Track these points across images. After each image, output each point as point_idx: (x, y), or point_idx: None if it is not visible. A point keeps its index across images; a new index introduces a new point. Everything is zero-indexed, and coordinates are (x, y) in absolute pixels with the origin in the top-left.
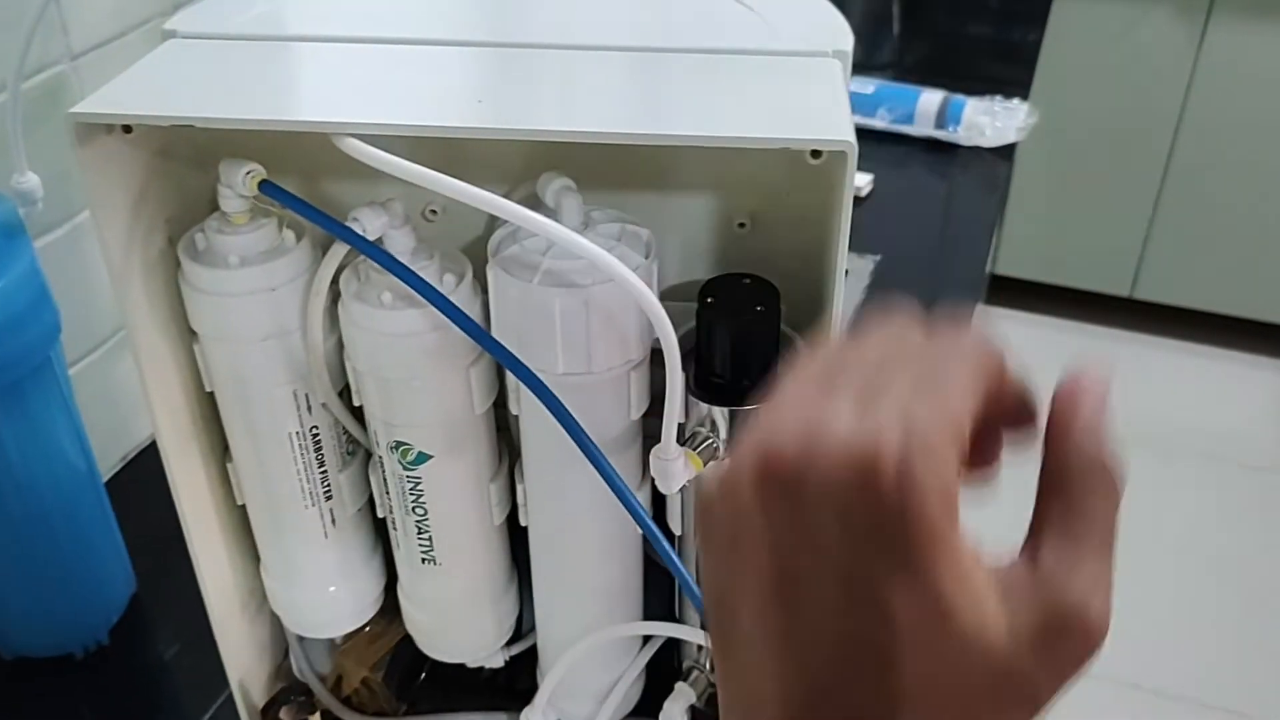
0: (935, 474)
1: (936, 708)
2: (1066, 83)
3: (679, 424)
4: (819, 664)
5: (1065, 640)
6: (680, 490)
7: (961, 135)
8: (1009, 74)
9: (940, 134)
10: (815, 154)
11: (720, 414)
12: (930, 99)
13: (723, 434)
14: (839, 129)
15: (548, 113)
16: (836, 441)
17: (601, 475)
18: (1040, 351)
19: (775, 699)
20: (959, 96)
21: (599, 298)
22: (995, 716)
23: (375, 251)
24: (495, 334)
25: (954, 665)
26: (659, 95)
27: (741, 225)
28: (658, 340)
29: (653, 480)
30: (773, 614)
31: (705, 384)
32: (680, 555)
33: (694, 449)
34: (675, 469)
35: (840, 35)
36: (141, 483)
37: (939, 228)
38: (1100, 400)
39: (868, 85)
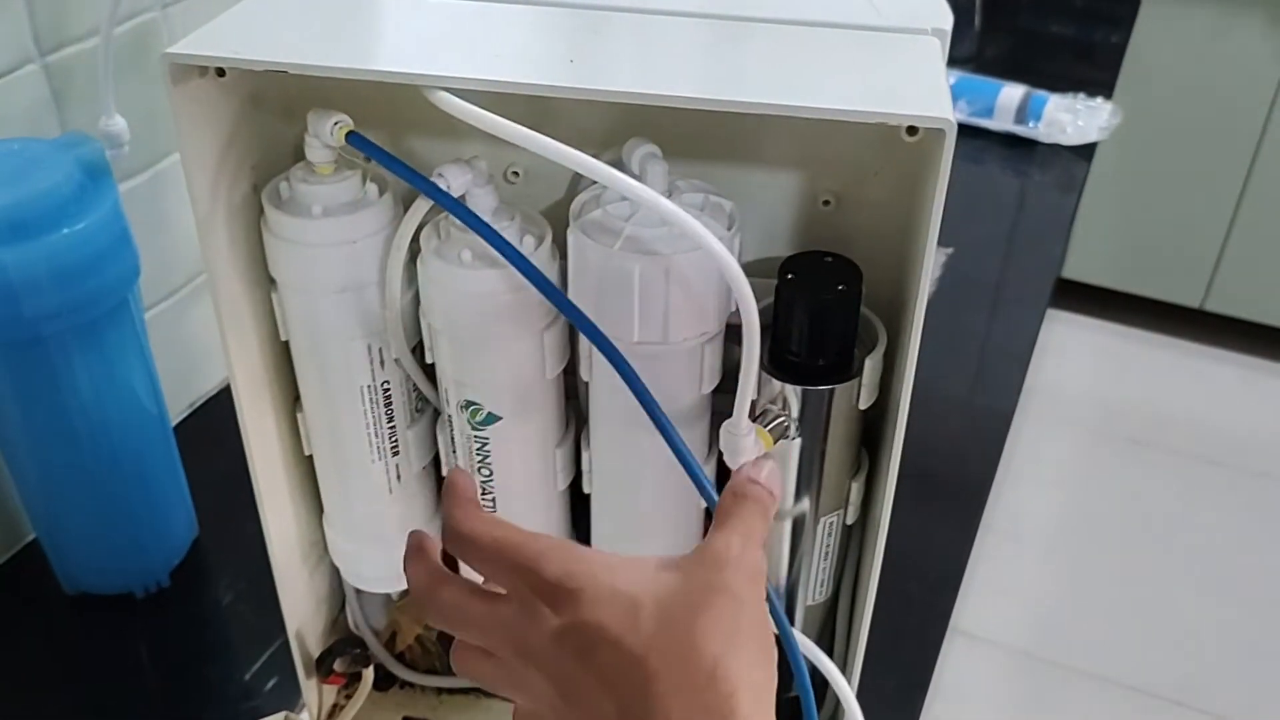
0: (571, 567)
1: (665, 635)
2: (1150, 86)
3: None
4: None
5: (711, 554)
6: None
7: (1041, 132)
8: (1090, 74)
9: (1020, 129)
10: (911, 131)
11: (793, 392)
12: (1011, 93)
13: (794, 412)
14: (938, 106)
15: (638, 76)
16: None
17: (670, 447)
18: (1103, 360)
19: None
20: (1041, 92)
21: (680, 267)
22: (707, 612)
23: (458, 208)
24: (572, 299)
25: (658, 613)
26: (751, 64)
27: (826, 203)
28: (732, 315)
29: (717, 457)
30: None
31: (780, 361)
32: None
33: (764, 426)
34: (745, 445)
35: (939, 13)
36: (206, 432)
37: (1013, 225)
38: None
39: (948, 76)
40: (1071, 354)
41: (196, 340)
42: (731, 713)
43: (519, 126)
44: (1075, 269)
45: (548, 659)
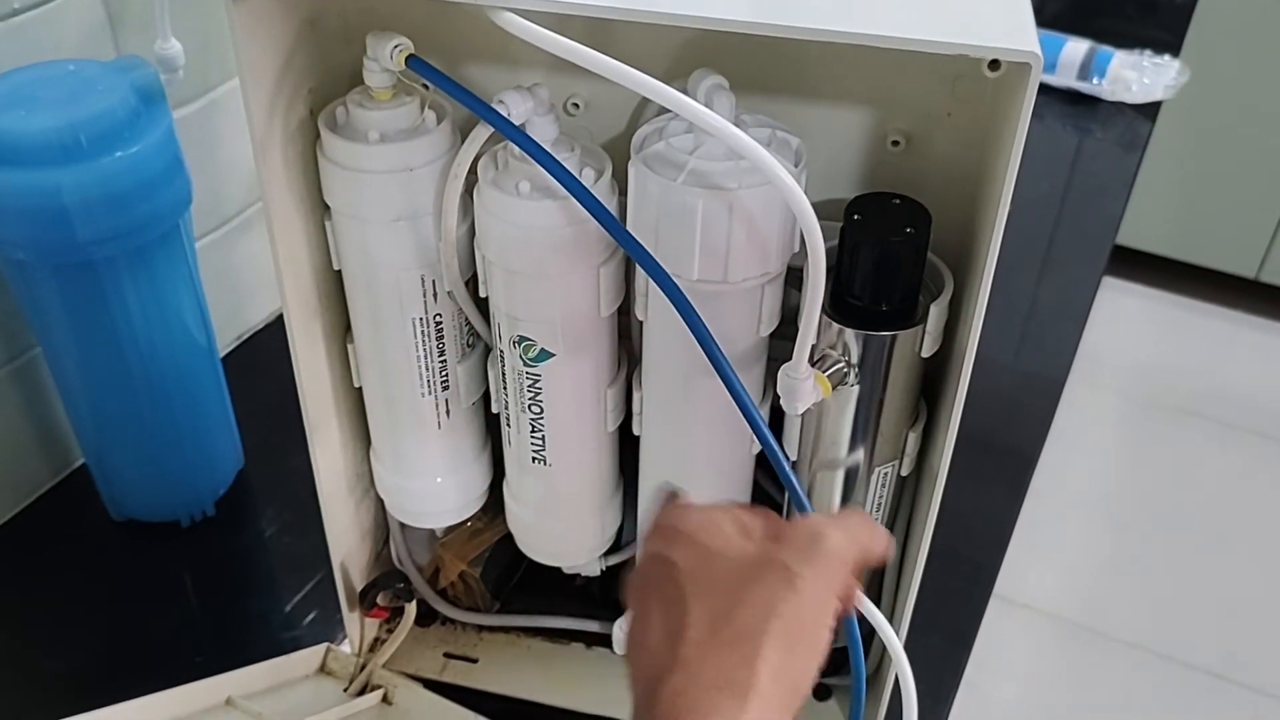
0: (695, 520)
1: (714, 595)
2: (1215, 49)
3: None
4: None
5: (797, 533)
6: (802, 415)
7: (1105, 89)
8: (1153, 34)
9: (1082, 86)
10: (993, 66)
11: (853, 337)
12: (1075, 48)
13: (854, 357)
14: (1023, 38)
15: (707, 2)
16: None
17: (727, 387)
18: (1156, 329)
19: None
20: (1106, 48)
21: (744, 203)
22: (754, 584)
23: (519, 136)
24: (631, 233)
25: (724, 573)
26: None
27: (895, 144)
28: (794, 257)
29: (771, 402)
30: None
31: (841, 305)
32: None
33: (823, 371)
34: (804, 389)
35: None
36: (253, 365)
37: (1073, 184)
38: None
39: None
40: (1123, 321)
41: (245, 272)
42: (746, 681)
43: (587, 49)
44: (1129, 235)
45: (642, 573)
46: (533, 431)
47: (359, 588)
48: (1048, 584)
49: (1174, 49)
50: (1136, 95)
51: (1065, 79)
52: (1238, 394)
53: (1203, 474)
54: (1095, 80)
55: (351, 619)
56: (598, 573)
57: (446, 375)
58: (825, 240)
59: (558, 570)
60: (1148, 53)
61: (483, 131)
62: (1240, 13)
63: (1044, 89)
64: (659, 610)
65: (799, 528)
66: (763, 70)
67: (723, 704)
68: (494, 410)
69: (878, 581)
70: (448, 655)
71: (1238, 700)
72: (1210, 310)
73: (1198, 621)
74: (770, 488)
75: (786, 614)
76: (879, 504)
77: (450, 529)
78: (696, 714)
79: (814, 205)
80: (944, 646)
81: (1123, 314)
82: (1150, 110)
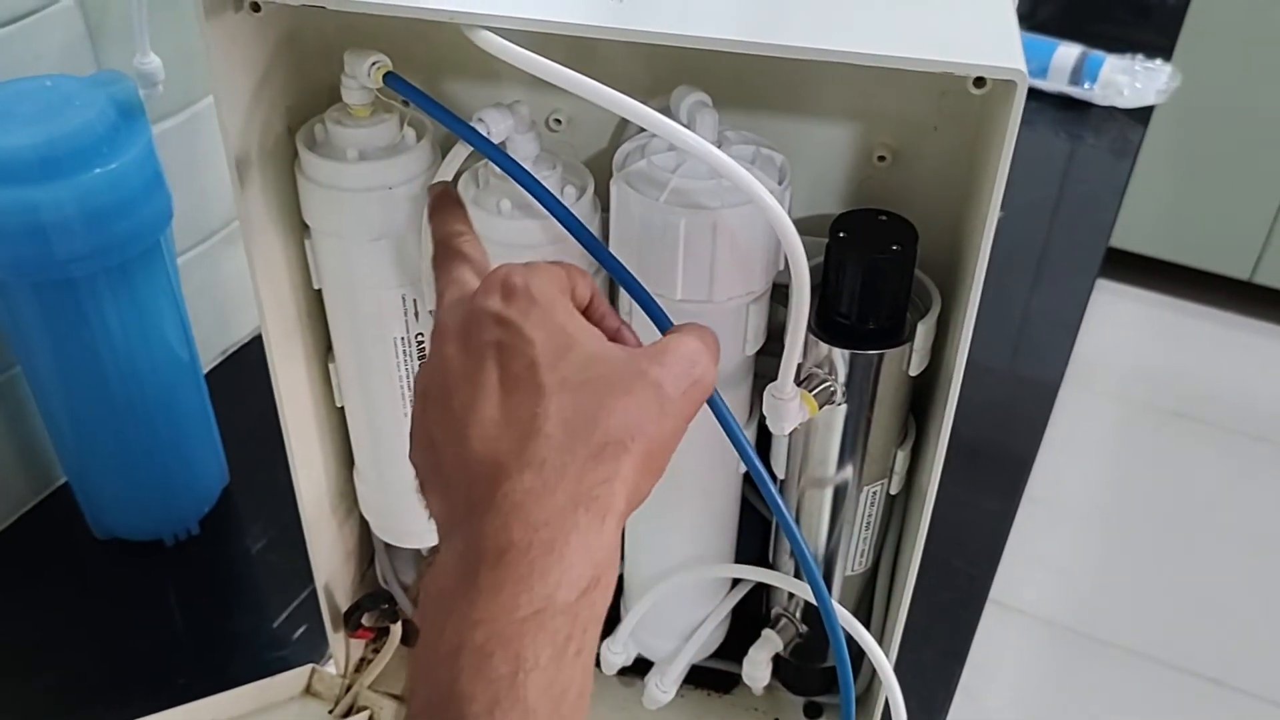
0: (542, 285)
1: (575, 392)
2: (1208, 51)
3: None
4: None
5: (674, 354)
6: (789, 434)
7: (1097, 94)
8: (1146, 37)
9: (1074, 91)
10: (978, 83)
11: (840, 356)
12: (1067, 53)
13: (841, 377)
14: (1008, 55)
15: (686, 19)
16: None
17: (712, 409)
18: (1149, 332)
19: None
20: (1097, 52)
21: (727, 222)
22: (625, 396)
23: (498, 155)
24: (613, 253)
25: (583, 368)
26: (805, 7)
27: (881, 159)
28: (779, 275)
29: (758, 422)
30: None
31: (828, 323)
32: (783, 497)
33: (810, 390)
34: (789, 409)
35: None
36: (239, 380)
37: (1065, 190)
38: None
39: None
40: (1117, 324)
41: (230, 287)
42: (607, 501)
43: (563, 69)
44: (1122, 238)
45: (473, 329)
46: None
47: (344, 608)
48: (1043, 589)
49: (1166, 53)
50: (1128, 100)
51: (1057, 84)
52: (1232, 397)
53: (1198, 477)
54: (1087, 85)
55: (336, 640)
56: None
57: None
58: (811, 257)
59: None
60: (1139, 57)
61: (463, 149)
62: (1232, 17)
63: (1035, 94)
64: (499, 384)
65: (674, 348)
66: (747, 86)
67: (582, 522)
68: None
69: (868, 601)
70: None
71: (1234, 705)
72: (1204, 312)
73: (1194, 626)
74: (759, 506)
75: (652, 435)
76: (868, 522)
77: (435, 548)
78: (554, 528)
79: (799, 221)
80: (938, 654)
81: (1116, 317)
82: (1142, 115)
